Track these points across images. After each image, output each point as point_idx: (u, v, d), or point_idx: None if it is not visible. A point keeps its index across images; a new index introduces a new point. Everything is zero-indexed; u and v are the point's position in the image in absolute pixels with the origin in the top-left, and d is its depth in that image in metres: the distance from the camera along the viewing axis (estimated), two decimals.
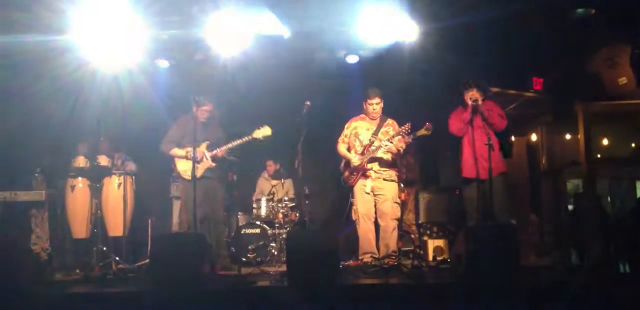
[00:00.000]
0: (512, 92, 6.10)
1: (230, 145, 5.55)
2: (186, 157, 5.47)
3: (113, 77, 6.38)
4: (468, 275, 4.09)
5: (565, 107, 5.96)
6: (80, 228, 5.91)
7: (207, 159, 5.53)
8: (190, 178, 5.39)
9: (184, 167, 5.56)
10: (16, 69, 6.15)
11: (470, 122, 5.23)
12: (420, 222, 6.59)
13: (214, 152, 5.54)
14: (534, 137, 7.01)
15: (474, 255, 4.10)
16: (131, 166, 6.33)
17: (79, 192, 5.92)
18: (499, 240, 4.16)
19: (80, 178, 5.94)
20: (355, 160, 5.36)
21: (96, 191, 5.87)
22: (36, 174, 5.86)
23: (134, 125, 6.71)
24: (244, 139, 5.53)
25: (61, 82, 6.43)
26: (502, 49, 6.05)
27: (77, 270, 5.54)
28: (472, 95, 5.25)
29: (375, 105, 5.43)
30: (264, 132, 5.52)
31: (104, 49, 6.47)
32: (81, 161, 5.89)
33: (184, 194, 5.69)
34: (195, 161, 5.34)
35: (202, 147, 5.53)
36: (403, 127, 5.21)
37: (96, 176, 5.90)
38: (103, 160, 5.94)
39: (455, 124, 5.38)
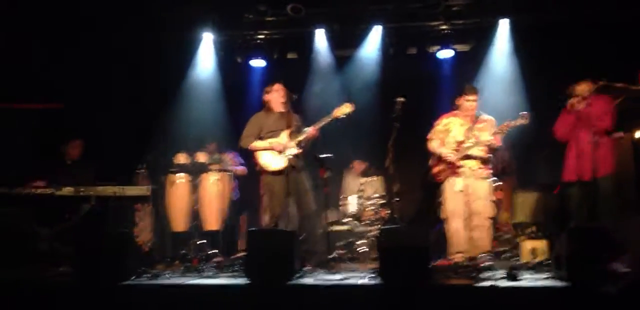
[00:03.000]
0: (619, 85, 5.75)
1: (317, 125, 5.30)
2: (270, 148, 5.33)
3: (214, 77, 6.70)
4: (570, 279, 3.89)
5: None
6: (179, 222, 6.17)
7: (291, 146, 5.30)
8: (274, 169, 5.30)
9: (266, 160, 5.38)
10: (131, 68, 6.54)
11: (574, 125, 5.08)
12: (515, 221, 6.35)
13: (308, 130, 5.29)
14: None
15: (576, 257, 3.89)
16: (243, 170, 6.55)
17: (179, 187, 6.18)
18: (602, 243, 3.92)
19: (180, 174, 6.22)
20: (449, 155, 5.24)
21: (195, 186, 6.13)
22: (140, 170, 6.19)
23: (231, 123, 6.96)
24: (326, 119, 5.28)
25: (167, 82, 6.82)
26: (609, 39, 5.74)
27: (177, 262, 5.82)
28: (585, 87, 5.08)
29: (472, 101, 5.29)
30: (344, 109, 5.25)
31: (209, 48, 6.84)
32: (182, 158, 6.15)
33: (268, 188, 5.48)
34: (279, 151, 5.28)
35: (283, 136, 5.36)
36: (504, 125, 5.03)
37: (195, 172, 6.15)
38: (202, 157, 6.17)
39: (561, 129, 5.27)
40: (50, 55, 6.54)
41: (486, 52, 6.72)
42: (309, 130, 5.30)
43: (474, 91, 5.31)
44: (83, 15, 6.22)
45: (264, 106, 5.58)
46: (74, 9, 6.09)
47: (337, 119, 5.29)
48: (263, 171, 5.48)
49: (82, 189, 5.46)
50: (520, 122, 5.00)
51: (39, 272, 4.71)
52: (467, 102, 5.30)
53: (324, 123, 5.31)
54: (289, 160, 5.24)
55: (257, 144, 5.46)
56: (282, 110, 5.44)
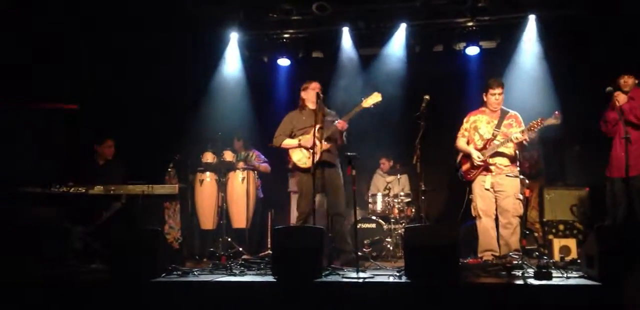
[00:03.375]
0: None
1: (346, 117, 5.22)
2: (299, 145, 5.30)
3: (240, 76, 6.75)
4: (601, 278, 3.83)
5: None
6: (207, 220, 6.27)
7: (319, 142, 5.19)
8: (306, 166, 5.24)
9: (298, 157, 5.35)
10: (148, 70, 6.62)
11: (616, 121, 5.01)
12: (544, 219, 6.28)
13: (336, 123, 5.19)
14: None
15: (606, 256, 3.82)
16: (266, 167, 6.60)
17: (206, 185, 6.28)
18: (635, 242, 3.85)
19: (208, 173, 6.30)
20: (477, 157, 5.18)
21: (222, 185, 6.20)
22: (169, 169, 6.28)
23: (257, 121, 7.03)
24: (355, 110, 5.18)
25: (195, 81, 6.90)
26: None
27: (205, 259, 5.90)
28: (626, 81, 5.10)
29: (497, 95, 5.23)
30: (374, 99, 5.14)
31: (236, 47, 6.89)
32: (209, 157, 6.23)
33: (299, 186, 5.44)
34: (309, 148, 5.21)
35: (313, 133, 5.23)
36: (535, 122, 4.95)
37: (222, 171, 6.22)
38: (228, 156, 6.23)
39: (604, 125, 5.27)
40: (80, 54, 6.66)
41: (513, 49, 6.65)
42: (337, 123, 5.22)
43: (499, 84, 5.24)
44: (111, 15, 6.32)
45: (299, 103, 5.54)
46: (105, 9, 6.20)
47: (366, 109, 5.19)
48: (295, 169, 5.48)
49: (112, 188, 5.56)
50: (552, 121, 4.91)
51: (73, 269, 4.82)
52: (493, 96, 5.24)
53: (353, 114, 5.24)
54: (320, 156, 5.18)
55: (288, 142, 5.44)
56: (314, 107, 5.34)
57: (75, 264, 5.01)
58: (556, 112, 4.94)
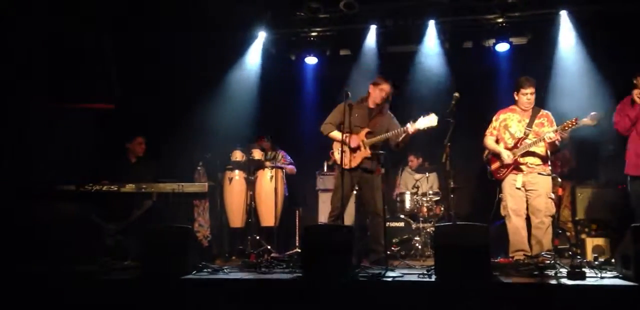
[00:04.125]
0: None
1: (385, 135, 5.11)
2: (342, 142, 4.99)
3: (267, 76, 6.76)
4: (637, 279, 3.75)
5: None
6: (236, 218, 6.30)
7: (364, 147, 5.15)
8: (345, 166, 5.06)
9: (338, 155, 5.10)
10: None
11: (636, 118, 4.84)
12: (577, 219, 6.17)
13: (391, 133, 5.06)
14: None
15: None
16: (292, 169, 6.62)
17: (235, 184, 6.31)
18: None
19: (236, 171, 6.34)
20: (507, 157, 5.11)
21: (251, 183, 6.23)
22: (198, 168, 6.34)
23: (285, 121, 7.05)
24: (400, 131, 5.05)
25: (221, 81, 6.94)
26: None
27: (234, 257, 5.94)
28: None
29: (529, 95, 5.13)
30: (429, 122, 4.94)
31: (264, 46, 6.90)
32: (238, 155, 6.27)
33: (336, 182, 5.26)
34: (351, 147, 5.11)
35: (362, 134, 5.18)
36: (570, 121, 4.84)
37: (251, 169, 6.26)
38: (257, 154, 6.26)
39: (621, 121, 4.99)
40: (111, 53, 6.75)
41: (545, 45, 6.55)
42: (395, 132, 5.06)
43: (530, 83, 5.13)
44: (139, 15, 6.40)
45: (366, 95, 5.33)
46: (133, 10, 6.27)
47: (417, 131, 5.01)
48: (336, 164, 5.39)
49: (143, 186, 5.64)
50: (588, 122, 4.76)
51: (105, 265, 4.91)
52: (524, 95, 5.14)
53: (397, 134, 5.09)
54: (361, 161, 5.15)
55: (335, 134, 5.27)
56: (373, 107, 5.28)
57: (107, 261, 5.08)
58: (593, 113, 4.80)
